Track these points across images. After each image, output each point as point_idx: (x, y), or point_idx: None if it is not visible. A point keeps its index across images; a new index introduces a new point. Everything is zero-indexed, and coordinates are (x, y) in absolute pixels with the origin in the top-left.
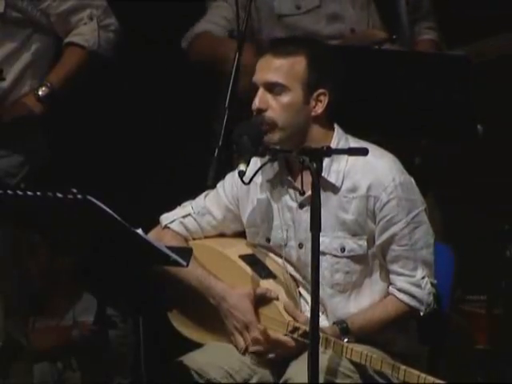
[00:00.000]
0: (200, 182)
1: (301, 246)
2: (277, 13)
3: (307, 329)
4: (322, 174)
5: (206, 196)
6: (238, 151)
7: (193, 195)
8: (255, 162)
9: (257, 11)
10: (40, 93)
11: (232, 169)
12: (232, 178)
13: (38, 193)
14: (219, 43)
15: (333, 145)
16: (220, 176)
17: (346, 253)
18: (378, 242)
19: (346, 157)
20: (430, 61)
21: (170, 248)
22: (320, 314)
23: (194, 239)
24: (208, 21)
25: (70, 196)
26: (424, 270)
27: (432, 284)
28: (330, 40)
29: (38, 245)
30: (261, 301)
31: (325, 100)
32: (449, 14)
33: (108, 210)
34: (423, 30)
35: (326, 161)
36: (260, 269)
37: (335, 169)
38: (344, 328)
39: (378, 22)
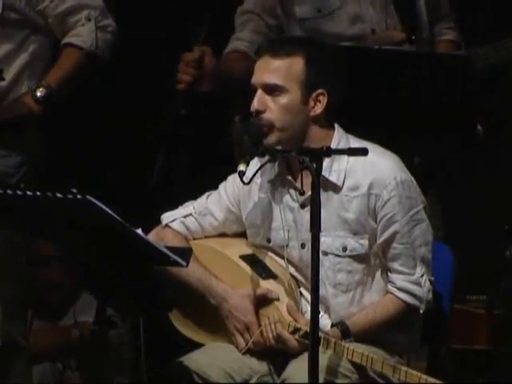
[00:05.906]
0: (200, 183)
1: (303, 246)
2: (298, 17)
3: (308, 330)
4: (323, 174)
5: (208, 196)
6: (237, 152)
7: (194, 195)
8: (256, 163)
9: (285, 16)
10: (38, 94)
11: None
12: (234, 179)
13: (38, 193)
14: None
15: (333, 145)
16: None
17: (347, 252)
18: (379, 241)
19: (346, 156)
20: (430, 60)
21: (169, 248)
22: (322, 313)
23: (194, 239)
24: (235, 38)
25: (70, 196)
26: (423, 267)
27: (430, 281)
28: (352, 41)
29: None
30: (261, 301)
31: (324, 100)
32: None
33: (108, 210)
34: (443, 30)
35: (326, 160)
36: (261, 269)
37: (336, 168)
38: (345, 331)
39: (397, 23)
